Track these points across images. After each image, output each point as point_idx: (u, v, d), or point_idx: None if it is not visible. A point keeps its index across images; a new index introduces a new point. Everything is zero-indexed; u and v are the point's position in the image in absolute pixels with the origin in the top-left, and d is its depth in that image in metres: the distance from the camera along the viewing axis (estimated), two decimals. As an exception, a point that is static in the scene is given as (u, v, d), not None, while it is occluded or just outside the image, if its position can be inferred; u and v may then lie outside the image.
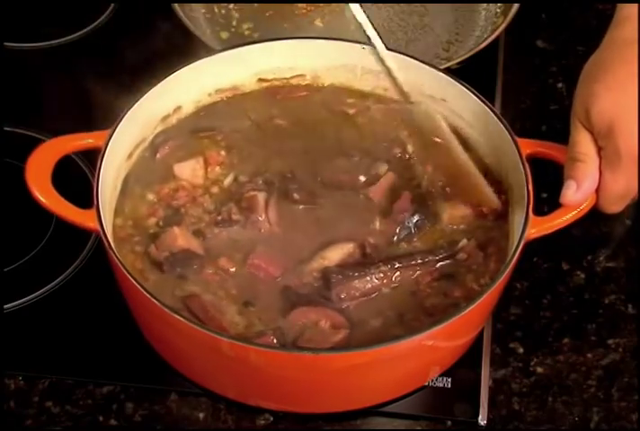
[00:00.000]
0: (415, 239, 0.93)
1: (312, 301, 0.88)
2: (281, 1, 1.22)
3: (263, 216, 0.93)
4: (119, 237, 0.91)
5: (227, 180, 0.96)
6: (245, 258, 0.91)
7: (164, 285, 0.89)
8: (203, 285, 0.89)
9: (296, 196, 0.94)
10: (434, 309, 0.89)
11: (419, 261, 0.91)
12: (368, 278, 0.89)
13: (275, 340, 0.85)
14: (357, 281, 0.89)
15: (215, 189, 0.95)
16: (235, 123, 1.00)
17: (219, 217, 0.93)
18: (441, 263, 0.91)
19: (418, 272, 0.91)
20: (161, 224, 0.92)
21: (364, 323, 0.88)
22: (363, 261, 0.91)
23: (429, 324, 0.82)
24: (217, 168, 0.97)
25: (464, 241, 0.92)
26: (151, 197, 0.95)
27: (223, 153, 0.98)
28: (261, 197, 0.94)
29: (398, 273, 0.90)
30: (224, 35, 1.19)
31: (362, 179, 0.96)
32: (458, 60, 1.10)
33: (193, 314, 0.86)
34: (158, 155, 0.97)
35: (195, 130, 0.99)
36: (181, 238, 0.90)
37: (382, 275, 0.90)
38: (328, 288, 0.89)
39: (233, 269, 0.90)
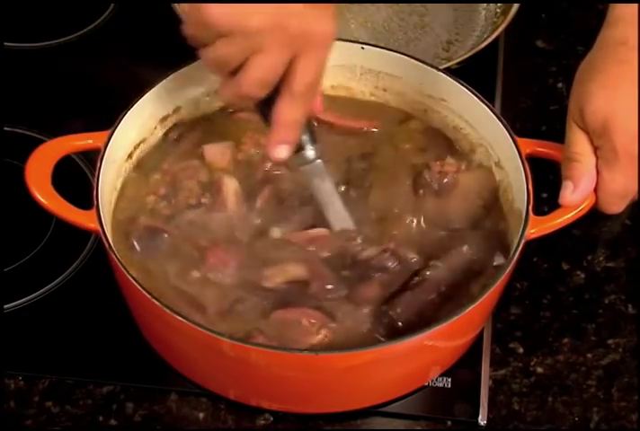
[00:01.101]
0: None
1: (291, 302, 0.88)
2: (281, 1, 1.22)
3: (229, 201, 0.93)
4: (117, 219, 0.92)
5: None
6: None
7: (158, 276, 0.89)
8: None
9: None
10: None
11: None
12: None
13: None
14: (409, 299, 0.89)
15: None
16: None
17: (192, 201, 0.93)
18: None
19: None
20: (159, 200, 0.93)
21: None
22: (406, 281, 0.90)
23: (429, 324, 0.82)
24: (252, 149, 0.97)
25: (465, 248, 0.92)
26: (157, 176, 0.96)
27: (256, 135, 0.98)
28: (228, 181, 0.94)
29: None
30: None
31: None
32: (458, 60, 1.10)
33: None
34: (182, 140, 0.98)
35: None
36: (143, 219, 0.91)
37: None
38: (395, 321, 0.88)
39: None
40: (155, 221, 0.92)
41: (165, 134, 0.99)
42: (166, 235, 0.91)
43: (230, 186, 0.94)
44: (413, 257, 0.91)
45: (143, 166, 0.97)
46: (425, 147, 1.00)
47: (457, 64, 1.09)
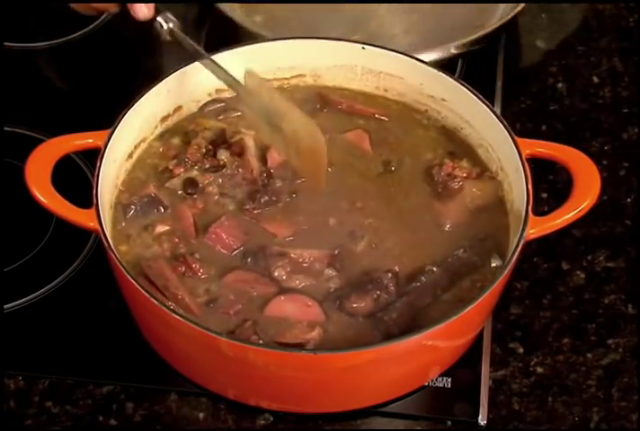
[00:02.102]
0: None
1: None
2: (284, 1, 1.22)
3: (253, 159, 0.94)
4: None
5: None
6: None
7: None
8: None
9: None
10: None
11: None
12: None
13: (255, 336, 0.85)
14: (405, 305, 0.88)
15: None
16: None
17: (207, 165, 0.94)
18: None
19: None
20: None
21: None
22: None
23: (429, 324, 0.82)
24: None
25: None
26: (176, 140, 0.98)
27: None
28: (248, 139, 0.95)
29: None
30: (257, 18, 1.19)
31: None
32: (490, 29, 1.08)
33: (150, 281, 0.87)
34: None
35: None
36: (152, 187, 0.93)
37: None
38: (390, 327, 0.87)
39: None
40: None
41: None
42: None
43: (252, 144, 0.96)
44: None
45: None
46: (441, 145, 1.00)
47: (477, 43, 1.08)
